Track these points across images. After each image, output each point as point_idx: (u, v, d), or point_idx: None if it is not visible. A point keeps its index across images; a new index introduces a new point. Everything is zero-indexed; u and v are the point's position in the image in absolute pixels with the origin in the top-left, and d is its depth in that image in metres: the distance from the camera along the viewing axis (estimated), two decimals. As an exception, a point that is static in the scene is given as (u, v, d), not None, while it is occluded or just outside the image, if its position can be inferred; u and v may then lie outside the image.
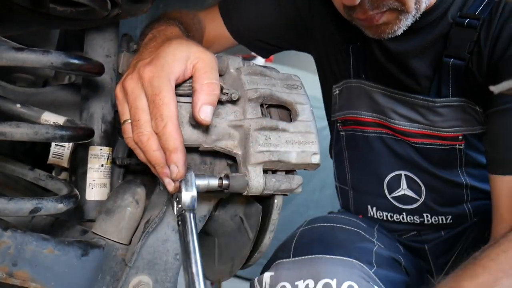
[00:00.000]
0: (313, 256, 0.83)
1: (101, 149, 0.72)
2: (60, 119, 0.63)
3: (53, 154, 0.66)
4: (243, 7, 1.06)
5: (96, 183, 0.70)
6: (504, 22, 0.82)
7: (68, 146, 0.67)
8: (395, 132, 1.01)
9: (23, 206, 0.47)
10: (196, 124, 0.61)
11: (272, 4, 1.05)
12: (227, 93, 0.62)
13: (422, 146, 0.99)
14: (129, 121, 0.56)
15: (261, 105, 0.67)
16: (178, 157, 0.52)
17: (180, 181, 0.55)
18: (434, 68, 0.93)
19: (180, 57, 0.56)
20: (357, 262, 0.84)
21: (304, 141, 0.66)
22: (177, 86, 0.59)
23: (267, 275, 0.84)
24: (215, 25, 1.06)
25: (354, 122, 1.07)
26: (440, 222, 1.04)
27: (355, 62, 1.03)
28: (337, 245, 0.87)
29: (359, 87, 1.04)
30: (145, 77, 0.54)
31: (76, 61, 0.53)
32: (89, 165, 0.71)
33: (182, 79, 0.58)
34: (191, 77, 0.59)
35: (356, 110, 1.05)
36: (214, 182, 0.59)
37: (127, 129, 0.56)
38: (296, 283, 0.79)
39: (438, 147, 0.98)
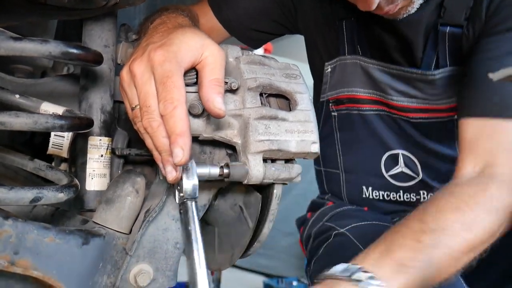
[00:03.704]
0: None
1: (100, 140, 0.72)
2: (59, 109, 0.63)
3: (52, 144, 0.66)
4: None
5: (96, 173, 0.70)
6: None
7: (67, 136, 0.67)
8: (392, 109, 1.01)
9: (24, 195, 0.47)
10: (195, 113, 0.61)
11: None
12: (227, 83, 0.62)
13: (420, 121, 0.99)
14: (138, 106, 0.55)
15: (261, 94, 0.67)
16: (185, 141, 0.51)
17: (182, 170, 0.55)
18: (430, 38, 0.92)
19: (194, 47, 0.56)
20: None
21: (303, 130, 0.66)
22: None
23: None
24: (207, 18, 1.06)
25: (349, 100, 1.06)
26: None
27: (350, 38, 1.02)
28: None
29: (354, 63, 1.03)
30: (156, 60, 0.54)
31: (74, 51, 0.53)
32: (88, 156, 0.71)
33: (189, 69, 0.57)
34: (194, 68, 0.58)
35: (352, 87, 1.04)
36: (215, 171, 0.59)
37: (137, 114, 0.56)
38: None
39: (435, 120, 0.98)
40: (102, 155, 0.71)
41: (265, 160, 0.64)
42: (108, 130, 0.74)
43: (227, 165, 0.61)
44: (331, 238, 0.98)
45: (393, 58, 0.98)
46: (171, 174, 0.55)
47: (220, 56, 0.58)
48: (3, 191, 0.46)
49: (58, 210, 0.66)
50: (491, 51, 0.83)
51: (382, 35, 0.96)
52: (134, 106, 0.57)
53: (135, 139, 0.82)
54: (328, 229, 1.03)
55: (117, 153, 0.77)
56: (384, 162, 1.06)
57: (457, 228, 0.70)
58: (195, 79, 0.61)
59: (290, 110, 0.69)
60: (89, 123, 0.58)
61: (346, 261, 0.67)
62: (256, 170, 0.62)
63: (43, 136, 0.73)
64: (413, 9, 0.84)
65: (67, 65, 0.99)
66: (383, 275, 0.62)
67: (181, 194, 0.54)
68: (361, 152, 1.09)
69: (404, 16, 0.85)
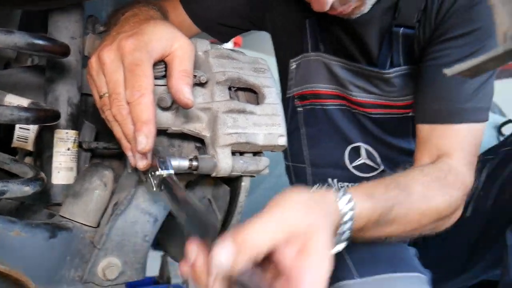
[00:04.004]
0: (387, 275, 0.85)
1: (67, 133, 0.71)
2: (24, 102, 0.62)
3: (17, 137, 0.65)
4: None
5: (63, 166, 0.69)
6: None
7: (33, 129, 0.66)
8: (353, 104, 1.05)
9: (-12, 189, 0.46)
10: (164, 106, 0.62)
11: None
12: (196, 76, 0.62)
13: (378, 116, 1.04)
14: (107, 94, 0.55)
15: (229, 88, 0.68)
16: (150, 129, 0.51)
17: (154, 157, 0.55)
18: (384, 38, 0.96)
19: (165, 39, 0.56)
20: (424, 276, 0.87)
21: (271, 123, 0.68)
22: None
23: None
24: (177, 13, 1.06)
25: (313, 95, 1.09)
26: None
27: (313, 36, 1.05)
28: (398, 258, 0.89)
29: (317, 60, 1.06)
30: (126, 48, 0.53)
31: (40, 42, 0.52)
32: (55, 149, 0.70)
33: (159, 61, 0.58)
34: (163, 62, 0.59)
35: (315, 83, 1.07)
36: (184, 163, 0.60)
37: (105, 102, 0.55)
38: None
39: (392, 116, 1.02)
40: (69, 149, 0.70)
41: (233, 153, 0.65)
42: (75, 123, 0.73)
43: (196, 158, 0.61)
44: None
45: (353, 56, 1.01)
46: (141, 162, 0.55)
47: (189, 48, 0.59)
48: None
49: (24, 204, 0.65)
50: (441, 58, 0.88)
51: (341, 34, 1.00)
52: (102, 94, 0.57)
53: (103, 133, 0.82)
54: None
55: (84, 146, 0.76)
56: (348, 154, 1.10)
57: (426, 194, 0.76)
58: (164, 72, 0.61)
59: (258, 103, 0.70)
60: (56, 115, 0.58)
61: None
62: (224, 162, 0.63)
63: (7, 129, 0.72)
64: (366, 9, 0.87)
65: (32, 56, 0.97)
66: (354, 195, 0.64)
67: (158, 172, 0.54)
68: (325, 146, 1.12)
69: (358, 16, 0.87)
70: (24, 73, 0.75)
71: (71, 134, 0.71)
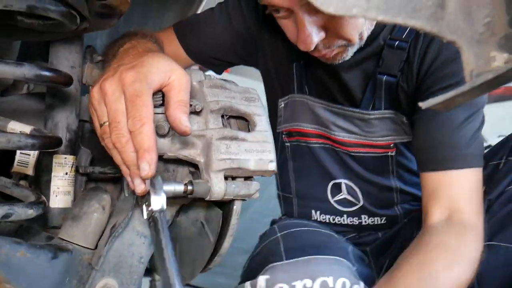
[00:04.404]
0: (309, 257, 0.89)
1: (65, 158, 0.74)
2: (26, 128, 0.64)
3: (18, 162, 0.67)
4: (198, 28, 1.12)
5: (60, 190, 0.72)
6: (428, 44, 0.94)
7: (33, 155, 0.68)
8: (335, 143, 1.12)
9: (-5, 211, 0.49)
10: (161, 133, 0.65)
11: (225, 24, 1.12)
12: (191, 105, 0.66)
13: (359, 154, 1.10)
14: (107, 123, 0.58)
15: (222, 116, 0.72)
16: (152, 156, 0.55)
17: (150, 185, 0.58)
18: (368, 83, 1.03)
19: (163, 71, 0.60)
20: (345, 260, 0.92)
21: (261, 149, 0.72)
22: None
23: (262, 278, 0.88)
24: (172, 47, 1.11)
25: (299, 133, 1.16)
26: (376, 223, 1.16)
27: (299, 79, 1.12)
28: (325, 246, 0.94)
29: (302, 102, 1.13)
30: (127, 80, 0.57)
31: (47, 73, 0.55)
32: (53, 173, 0.72)
33: (157, 91, 0.61)
34: (160, 91, 0.62)
35: (300, 122, 1.15)
36: (179, 188, 0.63)
37: (105, 130, 0.59)
38: (293, 283, 0.84)
39: (372, 155, 1.09)
40: (66, 173, 0.73)
41: (226, 178, 0.69)
42: (73, 149, 0.76)
43: (191, 182, 0.65)
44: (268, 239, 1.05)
45: (335, 98, 1.09)
46: (139, 187, 0.58)
47: (185, 79, 0.63)
48: (-26, 208, 0.48)
49: (22, 227, 0.67)
50: (431, 110, 0.93)
51: (325, 78, 1.08)
52: (103, 123, 0.60)
53: (98, 158, 0.84)
54: (270, 230, 1.10)
55: (80, 171, 0.79)
56: (330, 189, 1.17)
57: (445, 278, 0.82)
58: (161, 101, 0.65)
59: (249, 131, 0.74)
60: (58, 141, 0.60)
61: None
62: (218, 187, 0.66)
63: (3, 154, 0.74)
64: (347, 56, 0.93)
65: (28, 83, 1.00)
66: None
67: (150, 208, 0.57)
68: (310, 180, 1.19)
69: (340, 62, 0.94)
70: (24, 100, 0.78)
71: (69, 159, 0.74)
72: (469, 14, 0.45)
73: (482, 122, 0.95)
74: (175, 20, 1.39)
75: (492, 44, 0.47)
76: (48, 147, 0.57)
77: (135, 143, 0.56)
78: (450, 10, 0.43)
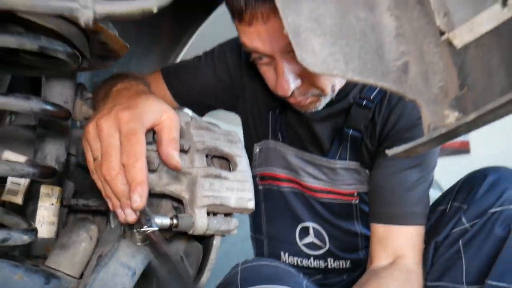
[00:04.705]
0: (261, 286, 0.93)
1: (52, 189, 0.76)
2: (20, 158, 0.68)
3: (8, 190, 0.70)
4: (184, 74, 1.20)
5: (46, 220, 0.74)
6: (392, 108, 1.05)
7: (23, 184, 0.71)
8: (304, 188, 1.20)
9: (-7, 235, 0.51)
10: (151, 169, 0.70)
11: (210, 71, 1.21)
12: (180, 144, 0.72)
13: (326, 200, 1.19)
14: (100, 156, 0.62)
15: (206, 156, 0.78)
16: (144, 189, 0.59)
17: (140, 214, 0.62)
18: (336, 135, 1.13)
19: (156, 111, 0.65)
20: None
21: (241, 188, 0.77)
22: None
23: None
24: (159, 89, 1.18)
25: (271, 177, 1.24)
26: (341, 266, 1.23)
27: (274, 126, 1.21)
28: (278, 278, 0.97)
29: (275, 148, 1.22)
30: (123, 118, 0.62)
31: (51, 108, 0.60)
32: (40, 203, 0.75)
33: (148, 130, 0.67)
34: (151, 129, 0.68)
35: (273, 167, 1.23)
36: (166, 221, 0.67)
37: (98, 164, 0.63)
38: None
39: (338, 201, 1.18)
40: (52, 204, 0.75)
41: (207, 214, 0.73)
42: (60, 180, 0.79)
43: (176, 217, 0.69)
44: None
45: (306, 147, 1.19)
46: (131, 216, 0.62)
47: (176, 120, 0.68)
48: (-26, 231, 0.50)
49: (7, 255, 0.68)
50: (389, 167, 1.06)
51: (298, 127, 1.18)
52: (96, 157, 0.64)
53: (80, 191, 0.87)
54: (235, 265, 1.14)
55: (64, 203, 0.81)
56: (298, 232, 1.24)
57: None
58: (151, 139, 0.70)
59: (230, 170, 0.80)
60: (54, 172, 0.64)
61: None
62: (201, 222, 0.71)
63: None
64: (320, 106, 1.02)
65: (11, 114, 1.03)
66: None
67: (143, 229, 0.61)
68: (280, 222, 1.26)
69: (313, 110, 1.03)
70: (14, 131, 0.81)
71: (56, 190, 0.77)
72: (426, 78, 0.54)
73: (431, 183, 1.08)
74: (157, 63, 1.47)
75: (445, 104, 0.57)
76: (46, 176, 0.61)
77: (129, 176, 0.60)
78: (411, 75, 0.51)
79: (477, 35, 0.58)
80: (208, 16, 1.31)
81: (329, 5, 0.45)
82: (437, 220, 1.06)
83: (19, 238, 0.54)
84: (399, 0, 0.54)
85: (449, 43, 0.60)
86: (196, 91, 1.20)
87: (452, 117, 0.56)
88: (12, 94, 0.56)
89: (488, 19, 0.56)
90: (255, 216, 1.30)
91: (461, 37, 0.59)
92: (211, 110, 1.29)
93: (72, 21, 0.62)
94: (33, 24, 0.61)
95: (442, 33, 0.60)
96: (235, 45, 1.20)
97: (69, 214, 0.85)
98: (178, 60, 1.49)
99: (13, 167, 0.55)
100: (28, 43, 0.58)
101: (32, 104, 0.57)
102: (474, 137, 4.88)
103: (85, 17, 0.47)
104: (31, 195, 0.75)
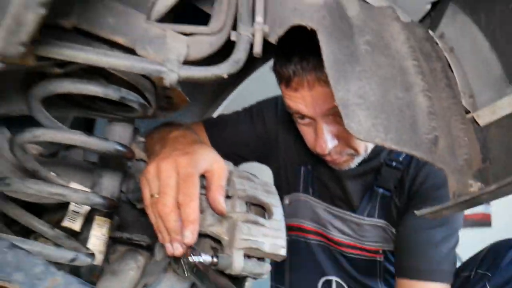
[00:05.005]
0: None
1: (105, 220, 0.84)
2: (85, 190, 0.77)
3: (69, 218, 0.78)
4: (224, 126, 1.31)
5: (96, 249, 0.81)
6: (418, 170, 1.13)
7: (83, 212, 0.79)
8: (331, 242, 1.25)
9: (66, 255, 0.59)
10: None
11: (248, 126, 1.32)
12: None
13: (351, 255, 1.23)
14: (157, 195, 0.70)
15: (245, 203, 0.85)
16: (195, 227, 0.67)
17: (187, 248, 0.69)
18: (366, 193, 1.18)
19: (209, 159, 0.74)
20: None
21: (276, 235, 0.84)
22: None
23: None
24: (201, 138, 1.28)
25: (299, 229, 1.30)
26: None
27: (305, 181, 1.29)
28: None
29: (305, 201, 1.29)
30: (181, 163, 0.70)
31: (122, 149, 0.69)
32: (92, 232, 0.82)
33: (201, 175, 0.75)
34: (203, 175, 0.76)
35: (301, 219, 1.29)
36: (207, 259, 0.74)
37: (154, 201, 0.71)
38: None
39: (363, 257, 1.22)
40: (103, 234, 0.83)
41: (243, 256, 0.80)
42: (111, 214, 0.87)
43: (216, 256, 0.76)
44: None
45: (335, 202, 1.26)
46: (178, 250, 0.69)
47: (225, 169, 0.77)
48: (51, 249, 0.58)
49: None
50: (415, 225, 1.11)
51: (329, 183, 1.26)
52: (153, 194, 0.73)
53: (125, 226, 0.95)
54: None
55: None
56: (321, 285, 1.28)
57: None
58: (202, 184, 0.78)
59: (266, 218, 0.87)
60: (116, 205, 0.72)
61: None
62: (238, 262, 0.77)
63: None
64: (353, 164, 1.11)
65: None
66: None
67: (191, 259, 0.67)
68: (303, 273, 1.30)
69: (346, 168, 1.11)
70: (78, 164, 0.91)
71: (107, 222, 0.85)
72: (453, 151, 0.62)
73: (457, 243, 1.12)
74: (197, 114, 1.59)
75: (469, 174, 0.64)
76: (110, 208, 0.69)
77: (183, 214, 0.68)
78: (440, 147, 0.59)
79: (498, 117, 0.66)
80: (250, 75, 1.44)
81: (373, 85, 0.54)
82: (462, 286, 1.09)
83: (84, 260, 0.62)
84: (431, 82, 0.63)
85: (474, 121, 0.68)
86: (233, 143, 1.30)
87: (475, 186, 0.63)
88: (95, 136, 0.66)
89: (508, 104, 0.64)
90: (277, 265, 1.34)
91: (484, 117, 0.67)
92: (244, 161, 1.38)
93: (148, 77, 0.73)
94: (112, 76, 0.73)
95: (467, 112, 0.69)
96: (272, 103, 1.32)
97: (113, 246, 0.93)
98: (217, 112, 1.60)
99: (88, 196, 0.63)
100: (111, 93, 0.69)
101: (107, 145, 0.67)
102: (495, 210, 4.82)
103: (170, 79, 0.57)
104: (85, 225, 0.83)
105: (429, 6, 0.77)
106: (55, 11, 0.42)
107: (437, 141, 0.59)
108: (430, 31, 0.77)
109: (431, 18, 0.81)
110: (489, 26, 0.71)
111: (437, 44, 0.75)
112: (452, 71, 0.73)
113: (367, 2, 0.71)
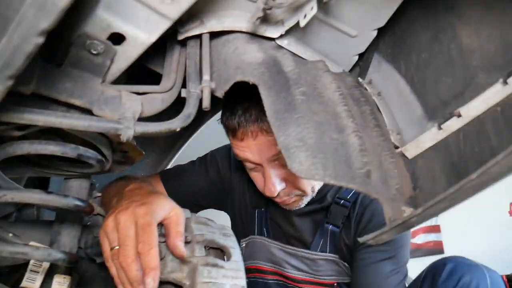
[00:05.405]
0: None
1: (64, 277, 0.85)
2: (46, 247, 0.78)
3: (27, 279, 0.78)
4: (180, 176, 1.35)
5: (56, 307, 0.81)
6: (364, 209, 1.22)
7: (41, 272, 0.80)
8: (288, 280, 1.30)
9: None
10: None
11: (203, 174, 1.37)
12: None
13: None
14: (117, 247, 0.73)
15: (204, 247, 0.89)
16: (156, 274, 0.69)
17: None
18: (317, 229, 1.26)
19: (166, 208, 0.78)
20: None
21: (235, 276, 0.87)
22: None
23: None
24: (157, 188, 1.31)
25: (257, 270, 1.34)
26: None
27: (259, 223, 1.35)
28: None
29: (261, 243, 1.34)
30: (139, 213, 0.73)
31: (82, 204, 0.72)
32: (52, 291, 0.83)
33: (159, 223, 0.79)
34: (160, 223, 0.80)
35: (258, 260, 1.34)
36: (171, 305, 0.76)
37: (115, 253, 0.73)
38: None
39: None
40: (63, 292, 0.83)
41: (205, 300, 0.82)
42: (71, 270, 0.87)
43: (179, 301, 0.78)
44: None
45: (289, 240, 1.32)
46: None
47: (182, 216, 0.81)
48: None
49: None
50: (365, 260, 1.20)
51: (282, 223, 1.33)
52: (113, 247, 0.75)
53: (83, 281, 0.95)
54: None
55: (71, 291, 0.89)
56: None
57: None
58: (160, 232, 0.82)
59: (225, 260, 0.90)
60: (77, 259, 0.74)
61: None
62: (200, 306, 0.80)
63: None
64: (302, 204, 1.19)
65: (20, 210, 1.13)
66: None
67: None
68: None
69: (296, 208, 1.19)
70: (33, 225, 0.91)
71: (67, 279, 0.85)
72: (386, 182, 0.70)
73: (406, 275, 1.22)
74: (152, 166, 1.62)
75: (402, 201, 0.72)
76: (73, 263, 0.71)
77: (143, 263, 0.71)
78: (374, 179, 0.67)
79: (422, 150, 0.76)
80: (200, 127, 1.50)
81: (310, 129, 0.62)
82: None
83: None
84: (361, 124, 0.72)
85: (403, 155, 0.78)
86: (190, 192, 1.34)
87: (408, 212, 0.71)
88: (55, 193, 0.69)
89: (430, 139, 0.74)
90: None
91: (411, 150, 0.77)
92: (202, 209, 1.42)
93: (104, 134, 0.77)
94: (68, 135, 0.77)
95: (396, 148, 0.78)
96: (225, 152, 1.38)
97: (72, 303, 0.92)
98: (171, 163, 1.64)
99: (49, 253, 0.65)
100: (69, 152, 0.72)
101: (68, 201, 0.70)
102: (446, 236, 5.04)
103: (127, 135, 0.62)
104: (45, 283, 0.83)
105: (356, 57, 0.88)
106: (17, 80, 0.46)
107: (369, 174, 0.67)
108: (360, 79, 0.88)
109: (360, 67, 0.92)
110: (408, 72, 0.82)
111: (366, 89, 0.86)
112: (380, 112, 0.83)
113: (301, 58, 0.81)
